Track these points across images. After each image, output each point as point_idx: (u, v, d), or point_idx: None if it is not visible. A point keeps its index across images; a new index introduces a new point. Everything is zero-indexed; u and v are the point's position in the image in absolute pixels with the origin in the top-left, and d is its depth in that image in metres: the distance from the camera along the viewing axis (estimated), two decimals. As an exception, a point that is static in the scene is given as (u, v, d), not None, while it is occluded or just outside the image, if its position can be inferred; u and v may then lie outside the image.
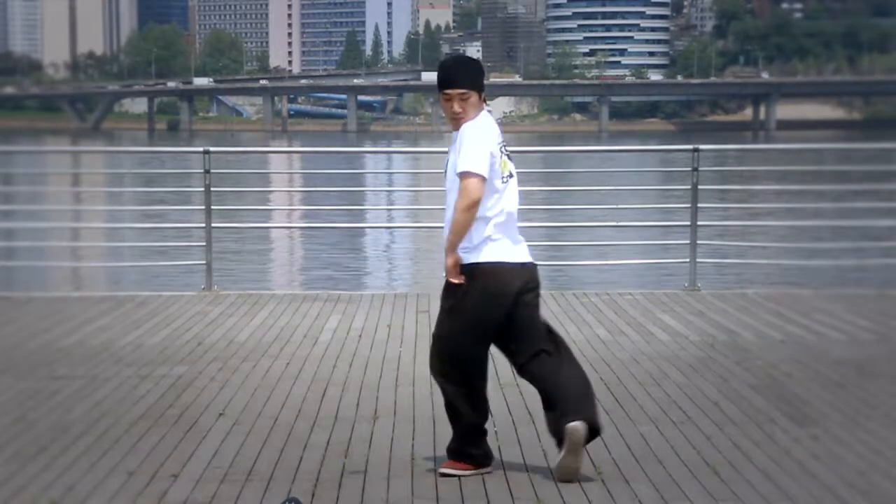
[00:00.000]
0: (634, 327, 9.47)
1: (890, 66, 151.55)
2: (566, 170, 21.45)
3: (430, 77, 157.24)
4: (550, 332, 5.55)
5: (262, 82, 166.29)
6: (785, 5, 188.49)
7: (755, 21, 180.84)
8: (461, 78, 5.42)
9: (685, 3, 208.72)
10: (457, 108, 5.39)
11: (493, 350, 5.59)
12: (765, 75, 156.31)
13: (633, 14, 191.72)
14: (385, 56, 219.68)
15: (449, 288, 5.43)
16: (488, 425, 5.78)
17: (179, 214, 15.93)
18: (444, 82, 5.44)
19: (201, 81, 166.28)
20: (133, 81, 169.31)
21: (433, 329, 5.62)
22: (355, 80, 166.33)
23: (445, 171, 5.48)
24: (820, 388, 7.33)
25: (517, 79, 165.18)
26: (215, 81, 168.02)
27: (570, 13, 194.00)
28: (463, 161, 5.31)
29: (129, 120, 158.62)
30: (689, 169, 11.77)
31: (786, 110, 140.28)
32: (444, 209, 5.51)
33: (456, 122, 5.39)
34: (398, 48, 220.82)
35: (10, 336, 9.11)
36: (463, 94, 5.39)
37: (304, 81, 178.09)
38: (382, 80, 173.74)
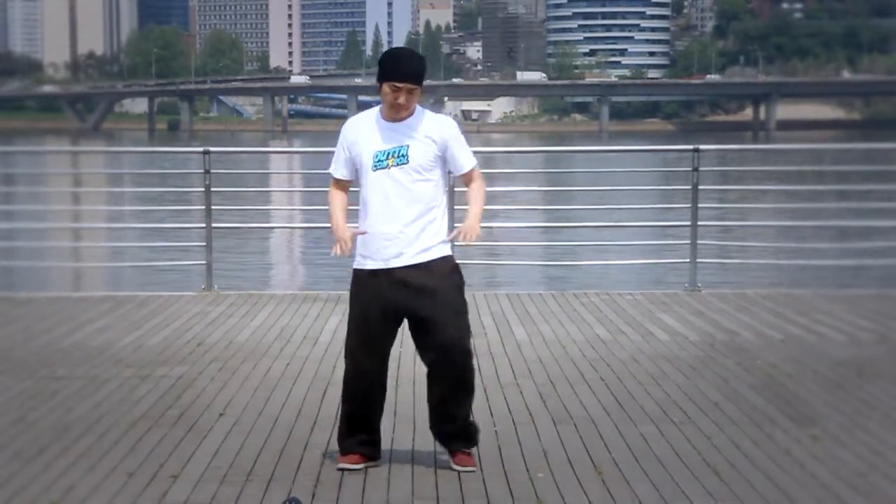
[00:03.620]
0: (634, 327, 9.47)
1: (890, 67, 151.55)
2: (566, 170, 21.44)
3: (527, 77, 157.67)
4: None
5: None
6: (785, 5, 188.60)
7: (755, 21, 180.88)
8: (420, 72, 5.48)
9: (685, 3, 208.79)
10: (404, 100, 5.42)
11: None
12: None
13: (634, 14, 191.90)
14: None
15: (458, 274, 5.60)
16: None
17: (179, 215, 15.93)
18: (417, 75, 5.44)
19: (299, 80, 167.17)
20: (243, 76, 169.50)
21: (458, 317, 5.56)
22: (294, 79, 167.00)
23: (405, 158, 5.45)
24: (820, 388, 7.33)
25: (614, 78, 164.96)
26: (213, 82, 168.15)
27: (570, 13, 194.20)
28: (471, 156, 5.63)
29: (129, 120, 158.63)
30: (690, 169, 11.77)
31: (786, 110, 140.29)
32: None
33: (399, 112, 5.43)
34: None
35: (10, 336, 9.11)
36: (414, 88, 5.45)
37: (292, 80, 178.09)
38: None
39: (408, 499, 5.16)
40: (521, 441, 6.04)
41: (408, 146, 5.46)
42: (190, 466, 5.63)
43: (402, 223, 5.45)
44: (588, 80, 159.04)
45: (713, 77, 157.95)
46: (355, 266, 5.56)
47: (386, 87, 5.42)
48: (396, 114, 5.45)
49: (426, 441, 6.06)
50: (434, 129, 5.51)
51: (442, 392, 5.58)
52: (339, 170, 5.63)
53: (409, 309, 5.47)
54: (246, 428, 6.36)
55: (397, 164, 5.43)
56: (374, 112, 5.58)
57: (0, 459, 5.74)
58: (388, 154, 5.44)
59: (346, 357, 5.67)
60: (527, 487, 5.30)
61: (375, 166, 5.45)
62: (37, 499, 5.13)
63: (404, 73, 5.41)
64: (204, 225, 11.70)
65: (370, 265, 5.49)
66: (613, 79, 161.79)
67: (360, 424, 5.63)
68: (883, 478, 5.45)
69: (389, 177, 5.43)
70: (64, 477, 5.45)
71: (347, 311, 5.66)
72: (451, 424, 5.61)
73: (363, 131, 5.52)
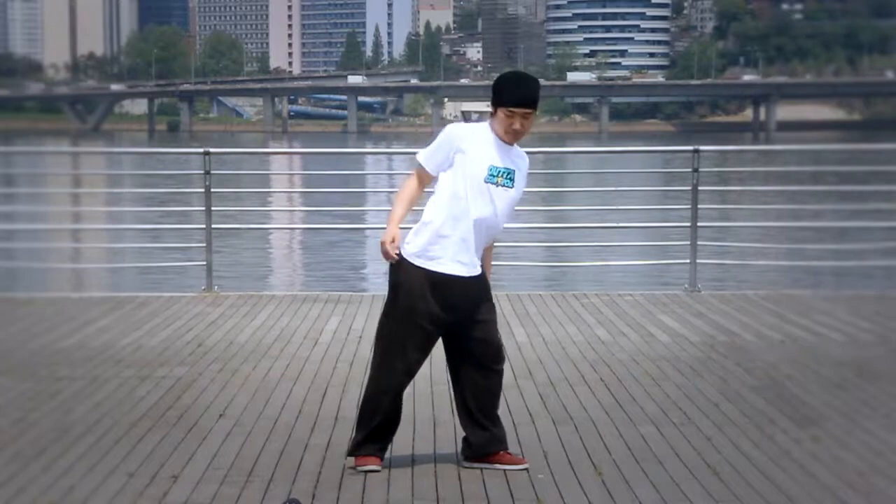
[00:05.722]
0: (635, 328, 9.48)
1: (890, 67, 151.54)
2: (566, 171, 21.45)
3: (575, 77, 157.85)
4: None
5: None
6: (785, 6, 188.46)
7: (755, 22, 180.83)
8: (537, 97, 5.51)
9: (685, 4, 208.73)
10: (519, 125, 5.45)
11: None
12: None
13: (634, 15, 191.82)
14: (385, 57, 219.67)
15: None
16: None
17: (180, 216, 15.93)
18: (534, 101, 5.47)
19: (355, 79, 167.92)
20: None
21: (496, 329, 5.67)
22: (351, 80, 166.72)
23: (511, 182, 5.49)
24: (820, 389, 7.33)
25: (660, 78, 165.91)
26: (213, 83, 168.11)
27: (570, 14, 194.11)
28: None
29: (129, 121, 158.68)
30: (690, 170, 11.78)
31: (786, 111, 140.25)
32: None
33: (516, 137, 5.49)
34: (398, 49, 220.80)
35: (10, 337, 9.11)
36: (530, 113, 5.48)
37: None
38: (383, 81, 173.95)
39: (408, 499, 5.16)
40: (522, 442, 6.04)
41: (515, 171, 5.49)
42: (190, 467, 5.63)
43: (487, 238, 5.55)
44: (639, 81, 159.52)
45: (750, 77, 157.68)
46: (425, 267, 5.47)
47: (501, 113, 5.43)
48: (514, 139, 5.48)
49: (426, 442, 6.07)
50: (526, 170, 5.59)
51: (483, 405, 5.60)
52: (430, 163, 5.49)
53: (468, 318, 5.51)
54: (246, 429, 6.36)
55: (503, 185, 5.47)
56: (485, 127, 5.51)
57: (0, 460, 5.75)
58: (501, 172, 5.46)
59: (389, 363, 5.54)
60: (527, 488, 5.30)
61: (487, 179, 5.43)
62: (37, 499, 5.13)
63: (520, 99, 5.42)
64: (204, 226, 11.71)
65: (448, 269, 5.45)
66: (659, 79, 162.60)
67: (389, 429, 5.63)
68: (883, 478, 5.45)
69: (492, 193, 5.45)
70: (64, 477, 5.45)
71: (386, 311, 5.60)
72: (496, 428, 5.64)
73: (476, 142, 5.46)
